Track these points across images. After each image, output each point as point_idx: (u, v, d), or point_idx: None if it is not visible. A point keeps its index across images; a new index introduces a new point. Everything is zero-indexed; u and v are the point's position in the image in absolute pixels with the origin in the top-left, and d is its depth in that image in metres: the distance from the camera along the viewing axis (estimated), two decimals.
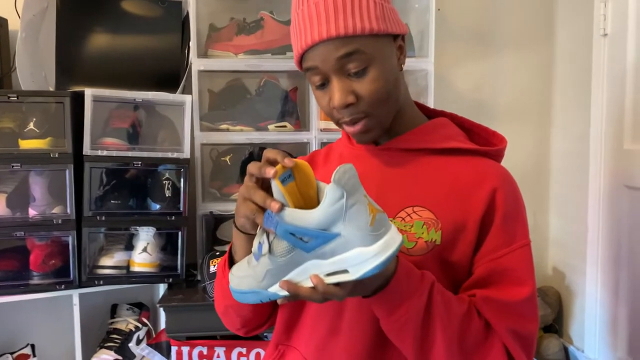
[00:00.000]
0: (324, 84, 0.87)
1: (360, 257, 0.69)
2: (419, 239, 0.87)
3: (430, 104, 1.89)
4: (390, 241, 0.70)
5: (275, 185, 0.71)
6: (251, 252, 0.79)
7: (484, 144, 0.97)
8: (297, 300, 0.75)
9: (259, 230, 0.76)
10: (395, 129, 0.94)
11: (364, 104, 0.86)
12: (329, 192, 0.68)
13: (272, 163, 0.73)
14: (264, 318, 0.99)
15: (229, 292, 0.82)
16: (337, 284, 0.72)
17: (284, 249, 0.73)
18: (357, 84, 0.85)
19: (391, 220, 0.86)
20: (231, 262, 0.91)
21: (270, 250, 0.75)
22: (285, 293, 0.73)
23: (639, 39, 1.65)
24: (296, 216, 0.71)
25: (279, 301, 0.76)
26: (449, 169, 0.92)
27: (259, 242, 0.76)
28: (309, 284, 0.72)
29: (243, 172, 1.92)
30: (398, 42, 0.90)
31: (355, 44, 0.83)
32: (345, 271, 0.71)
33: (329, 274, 0.72)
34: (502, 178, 0.91)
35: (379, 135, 0.91)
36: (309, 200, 0.75)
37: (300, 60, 0.89)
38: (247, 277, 0.77)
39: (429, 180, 0.91)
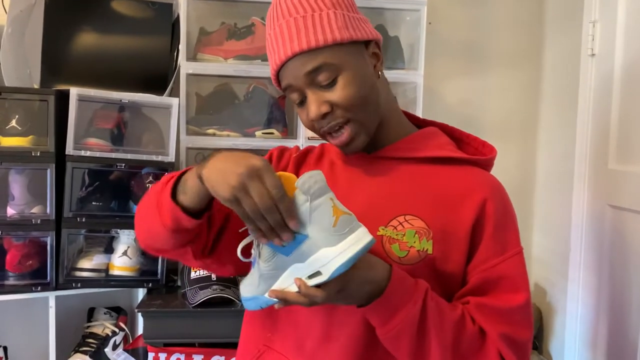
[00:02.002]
0: (302, 101, 0.90)
1: (326, 257, 0.74)
2: (411, 248, 0.87)
3: (419, 115, 1.89)
4: (356, 240, 0.74)
5: None
6: (197, 205, 0.82)
7: (474, 153, 0.98)
8: (288, 305, 0.77)
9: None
10: (382, 138, 0.95)
11: (340, 110, 0.87)
12: (295, 197, 0.74)
13: None
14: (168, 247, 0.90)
15: (153, 209, 0.84)
16: (319, 286, 0.75)
17: (268, 254, 0.78)
18: (330, 94, 0.87)
19: (383, 229, 0.89)
20: (174, 190, 0.83)
21: (259, 256, 0.79)
22: (275, 300, 0.77)
23: (626, 59, 1.67)
24: None
25: (275, 306, 0.79)
26: (440, 178, 0.92)
27: (253, 249, 0.81)
28: (295, 288, 0.76)
29: None
30: (371, 49, 0.91)
31: (321, 57, 0.85)
32: (319, 272, 0.75)
33: (309, 277, 0.76)
34: (492, 187, 0.92)
35: (364, 142, 0.91)
36: None
37: (278, 82, 0.92)
38: (249, 285, 0.82)
39: (420, 189, 0.91)
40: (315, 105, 0.87)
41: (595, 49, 1.81)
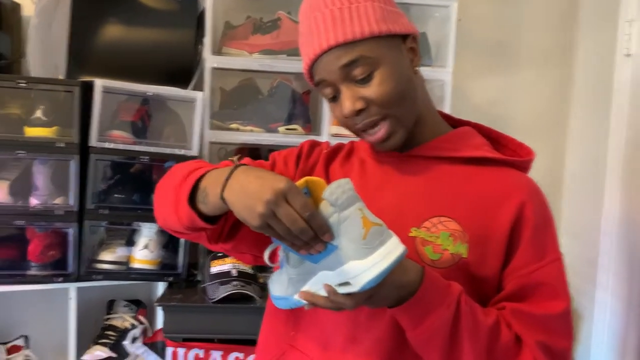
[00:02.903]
0: (335, 97, 0.86)
1: (356, 270, 0.71)
2: (445, 251, 0.84)
3: None
4: (387, 253, 0.71)
5: None
6: (215, 214, 0.81)
7: (511, 155, 0.95)
8: (316, 307, 0.76)
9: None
10: (417, 136, 0.91)
11: (375, 107, 0.84)
12: (322, 208, 0.72)
13: None
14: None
15: (170, 204, 0.83)
16: (348, 294, 0.73)
17: (296, 260, 0.77)
18: (365, 90, 0.84)
19: (415, 230, 0.85)
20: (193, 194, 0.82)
21: (287, 261, 0.78)
22: (305, 302, 0.76)
23: None
24: None
25: (305, 307, 0.78)
26: (476, 180, 0.89)
27: (280, 252, 0.80)
28: (324, 293, 0.75)
29: None
30: (408, 43, 0.88)
31: (357, 50, 0.82)
32: (348, 283, 0.73)
33: (339, 284, 0.73)
34: (531, 190, 0.89)
35: (403, 139, 0.88)
36: None
37: (311, 77, 0.88)
38: (278, 283, 0.81)
39: (455, 191, 0.88)
40: (350, 101, 0.84)
41: (632, 49, 1.75)
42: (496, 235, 0.84)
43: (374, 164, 0.95)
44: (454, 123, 0.98)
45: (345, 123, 0.88)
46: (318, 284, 0.75)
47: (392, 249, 0.72)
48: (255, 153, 1.89)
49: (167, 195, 0.87)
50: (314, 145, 1.02)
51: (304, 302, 0.76)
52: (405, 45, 0.87)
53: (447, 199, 0.87)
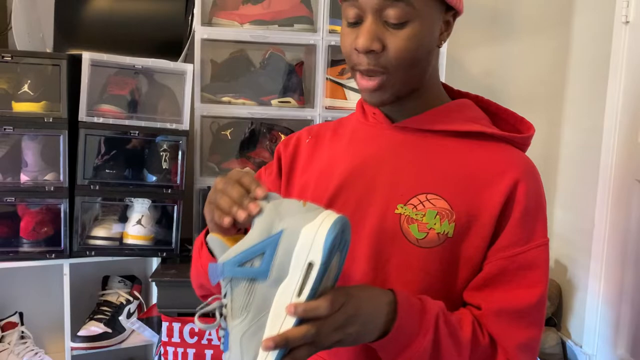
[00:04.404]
0: (356, 23, 0.80)
1: (310, 234, 0.64)
2: (431, 230, 0.81)
3: None
4: (331, 213, 0.66)
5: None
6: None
7: (510, 130, 0.90)
8: (296, 351, 0.66)
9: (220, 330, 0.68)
10: (416, 107, 0.87)
11: (387, 58, 0.79)
12: (261, 208, 0.69)
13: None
14: None
15: (203, 272, 0.83)
16: (316, 298, 0.65)
17: (243, 292, 0.65)
18: (390, 35, 0.78)
19: (402, 207, 0.82)
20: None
21: (231, 313, 0.65)
22: (275, 353, 0.63)
23: None
24: (237, 247, 0.67)
25: None
26: (469, 155, 0.85)
27: (221, 329, 0.67)
28: (291, 321, 0.63)
29: (243, 147, 1.86)
30: (449, 15, 0.84)
31: None
32: (310, 265, 0.64)
33: (299, 290, 0.64)
34: (526, 169, 0.84)
35: (389, 100, 0.84)
36: None
37: None
38: None
39: (446, 166, 0.84)
40: (369, 36, 0.78)
41: (630, 16, 1.71)
42: (485, 216, 0.81)
43: (364, 139, 0.91)
44: (454, 95, 0.94)
45: (349, 53, 0.82)
46: (280, 313, 0.63)
47: (333, 212, 0.67)
48: (246, 126, 1.86)
49: (194, 263, 0.95)
50: (287, 143, 0.99)
51: (274, 357, 0.63)
52: (445, 16, 0.83)
53: (437, 175, 0.84)
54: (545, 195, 0.87)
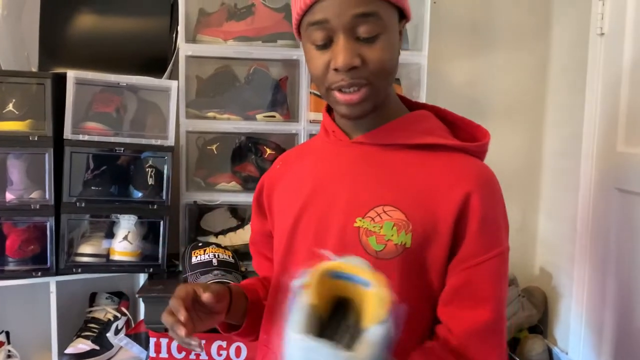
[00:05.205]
0: (325, 45, 0.82)
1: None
2: (389, 242, 0.82)
3: (422, 98, 1.85)
4: None
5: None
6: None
7: (468, 138, 0.92)
8: None
9: None
10: (375, 120, 0.89)
11: (368, 71, 0.81)
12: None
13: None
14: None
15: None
16: None
17: None
18: (365, 49, 0.80)
19: (360, 220, 0.84)
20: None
21: None
22: None
23: (636, 39, 1.62)
24: None
25: None
26: (425, 167, 0.87)
27: None
28: None
29: (230, 161, 1.88)
30: (401, 25, 0.87)
31: (375, 5, 0.79)
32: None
33: None
34: (481, 179, 0.86)
35: (370, 110, 0.86)
36: None
37: (303, 15, 0.83)
38: None
39: (402, 179, 0.86)
40: (349, 54, 0.79)
41: (605, 28, 1.75)
42: (440, 226, 0.82)
43: (327, 159, 0.94)
44: (412, 106, 0.96)
45: (323, 75, 0.83)
46: None
47: None
48: (232, 141, 1.88)
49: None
50: (264, 178, 1.05)
51: None
52: (400, 25, 0.87)
53: (393, 187, 0.85)
54: (504, 201, 0.88)
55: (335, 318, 0.67)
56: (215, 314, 0.87)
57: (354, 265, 0.66)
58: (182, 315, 0.80)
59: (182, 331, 0.79)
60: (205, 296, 0.82)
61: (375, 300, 0.63)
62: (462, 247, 0.83)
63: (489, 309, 0.82)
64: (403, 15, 0.87)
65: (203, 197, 1.79)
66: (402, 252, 0.82)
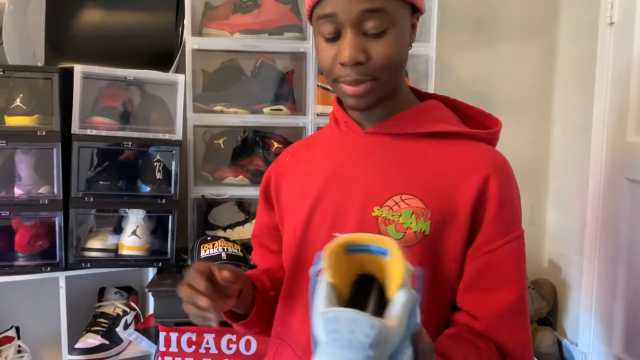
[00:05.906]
0: (334, 38, 0.83)
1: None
2: (408, 229, 0.83)
3: (430, 90, 1.84)
4: None
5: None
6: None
7: (479, 127, 0.92)
8: None
9: None
10: (387, 111, 0.90)
11: (373, 66, 0.82)
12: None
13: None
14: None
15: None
16: None
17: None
18: (372, 44, 0.81)
19: (378, 209, 0.84)
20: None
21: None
22: None
23: None
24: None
25: None
26: (439, 154, 0.87)
27: None
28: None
29: (236, 155, 1.87)
30: (414, 18, 0.87)
31: (383, 1, 0.79)
32: None
33: None
34: (496, 164, 0.87)
35: (375, 103, 0.86)
36: None
37: (314, 6, 0.84)
38: None
39: (418, 167, 0.87)
40: (354, 49, 0.80)
41: (614, 17, 1.74)
42: (459, 211, 0.83)
43: (339, 149, 0.94)
44: (422, 97, 0.97)
45: (331, 69, 0.84)
46: None
47: None
48: (239, 135, 1.87)
49: None
50: (271, 170, 1.04)
51: None
52: (411, 19, 0.87)
53: (409, 176, 0.86)
54: (518, 186, 0.89)
55: (358, 295, 0.66)
56: (226, 297, 0.86)
57: (366, 235, 0.65)
58: (201, 286, 0.78)
59: (203, 301, 0.77)
60: (224, 274, 0.81)
61: (396, 268, 0.61)
62: (481, 231, 0.84)
63: (514, 289, 0.83)
64: (416, 9, 0.87)
65: (211, 191, 1.79)
66: (421, 240, 0.83)
